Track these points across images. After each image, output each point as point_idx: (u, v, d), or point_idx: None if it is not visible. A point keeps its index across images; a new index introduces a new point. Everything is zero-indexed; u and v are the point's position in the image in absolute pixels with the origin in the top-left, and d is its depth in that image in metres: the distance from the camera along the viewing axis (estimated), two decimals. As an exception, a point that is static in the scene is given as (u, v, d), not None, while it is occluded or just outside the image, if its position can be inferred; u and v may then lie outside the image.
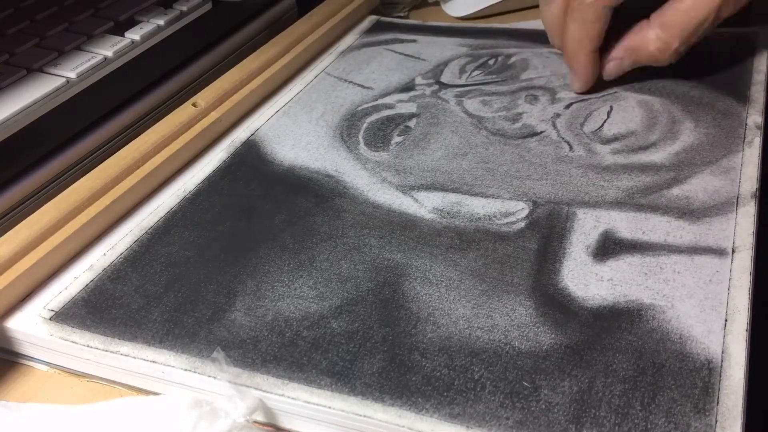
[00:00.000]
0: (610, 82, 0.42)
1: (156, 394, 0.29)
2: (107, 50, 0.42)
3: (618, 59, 0.41)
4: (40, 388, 0.30)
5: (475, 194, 0.35)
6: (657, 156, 0.36)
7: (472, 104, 0.42)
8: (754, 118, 0.38)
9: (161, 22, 0.45)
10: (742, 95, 0.40)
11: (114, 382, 0.29)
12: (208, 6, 0.48)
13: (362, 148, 0.40)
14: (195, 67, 0.46)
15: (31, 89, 0.38)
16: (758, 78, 0.41)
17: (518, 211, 0.34)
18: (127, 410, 0.27)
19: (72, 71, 0.40)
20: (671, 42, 0.38)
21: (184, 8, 0.46)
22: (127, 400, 0.28)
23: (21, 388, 0.30)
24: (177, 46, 0.45)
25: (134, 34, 0.43)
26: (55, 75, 0.39)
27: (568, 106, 0.41)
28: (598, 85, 0.42)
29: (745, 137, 0.37)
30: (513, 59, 0.47)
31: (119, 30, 0.44)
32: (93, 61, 0.41)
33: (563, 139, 0.38)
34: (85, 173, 0.36)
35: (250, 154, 0.40)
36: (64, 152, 0.38)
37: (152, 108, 0.43)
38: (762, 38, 0.45)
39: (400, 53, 0.49)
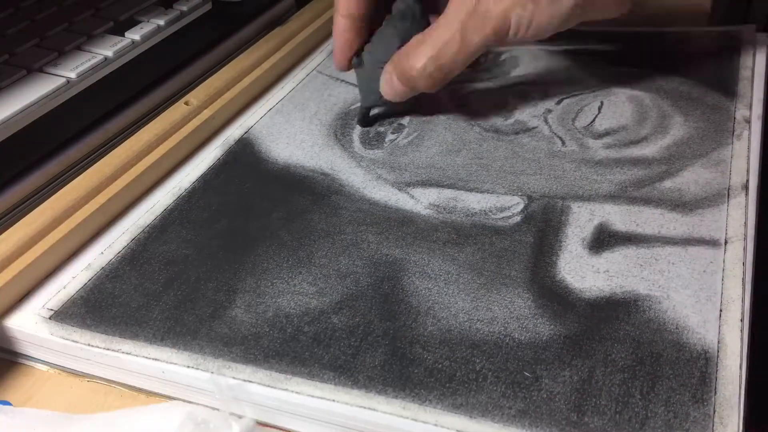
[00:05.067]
0: (600, 77, 0.43)
1: (155, 394, 0.29)
2: (107, 50, 0.42)
3: (388, 73, 0.38)
4: (40, 388, 0.30)
5: (471, 190, 0.35)
6: (648, 150, 0.37)
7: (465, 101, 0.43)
8: (743, 112, 0.38)
9: (161, 22, 0.45)
10: (730, 90, 0.40)
11: (114, 381, 0.29)
12: (208, 6, 0.48)
13: (356, 146, 0.40)
14: (195, 67, 0.46)
15: (31, 89, 0.38)
16: (745, 74, 0.42)
17: (514, 205, 0.34)
18: (122, 420, 0.27)
19: (72, 71, 0.40)
20: (419, 58, 0.37)
21: (184, 8, 0.46)
22: (123, 411, 0.28)
23: (21, 387, 0.30)
24: (177, 46, 0.45)
25: (134, 34, 0.43)
26: (55, 75, 0.39)
27: (559, 102, 0.41)
28: (587, 79, 0.43)
29: (734, 130, 0.37)
30: (503, 57, 0.47)
31: (119, 30, 0.44)
32: (93, 61, 0.41)
33: (555, 134, 0.39)
34: (84, 172, 0.36)
35: (245, 153, 0.40)
36: (64, 152, 0.38)
37: (152, 108, 0.43)
38: (747, 36, 0.45)
39: (392, 51, 0.49)
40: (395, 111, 0.42)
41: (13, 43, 0.42)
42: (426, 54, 0.37)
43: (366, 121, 0.41)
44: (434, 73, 0.37)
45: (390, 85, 0.38)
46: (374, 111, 0.41)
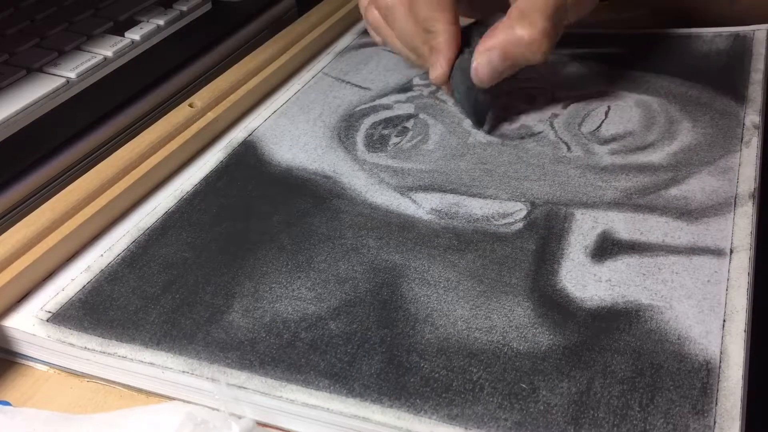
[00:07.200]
0: (608, 81, 0.42)
1: (156, 395, 0.29)
2: (107, 50, 0.42)
3: (486, 52, 0.37)
4: (40, 388, 0.30)
5: (473, 195, 0.35)
6: (655, 156, 0.36)
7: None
8: (752, 118, 0.38)
9: (161, 22, 0.45)
10: (739, 95, 0.40)
11: (114, 382, 0.29)
12: (208, 6, 0.48)
13: (360, 149, 0.39)
14: (195, 67, 0.46)
15: (31, 89, 0.38)
16: (756, 77, 0.41)
17: (516, 211, 0.34)
18: (122, 420, 0.27)
19: (72, 71, 0.40)
20: (537, 26, 0.36)
21: (184, 8, 0.46)
22: (122, 411, 0.28)
23: (21, 387, 0.30)
24: (177, 46, 0.45)
25: (134, 34, 0.43)
26: (55, 75, 0.39)
27: (565, 107, 0.41)
28: (594, 83, 0.42)
29: (742, 137, 0.37)
30: (511, 59, 0.46)
31: (119, 30, 0.44)
32: (93, 61, 0.41)
33: (561, 139, 0.38)
34: (85, 174, 0.36)
35: (248, 155, 0.40)
36: (64, 152, 0.38)
37: (152, 108, 0.43)
38: (759, 38, 0.45)
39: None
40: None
41: (13, 43, 0.42)
42: (543, 17, 0.36)
43: (482, 120, 0.40)
44: (552, 34, 0.36)
45: (490, 67, 0.37)
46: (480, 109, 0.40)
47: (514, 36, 0.36)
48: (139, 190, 0.37)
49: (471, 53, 0.38)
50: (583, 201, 0.34)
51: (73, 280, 0.32)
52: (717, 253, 0.30)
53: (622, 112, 0.40)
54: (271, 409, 0.27)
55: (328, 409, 0.25)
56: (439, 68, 0.39)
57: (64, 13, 0.46)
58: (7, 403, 0.29)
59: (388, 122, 0.41)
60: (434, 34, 0.39)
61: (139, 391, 0.29)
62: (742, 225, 0.31)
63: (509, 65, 0.37)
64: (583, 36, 0.49)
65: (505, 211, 0.34)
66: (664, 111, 0.40)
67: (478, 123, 0.40)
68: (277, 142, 0.41)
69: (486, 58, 0.37)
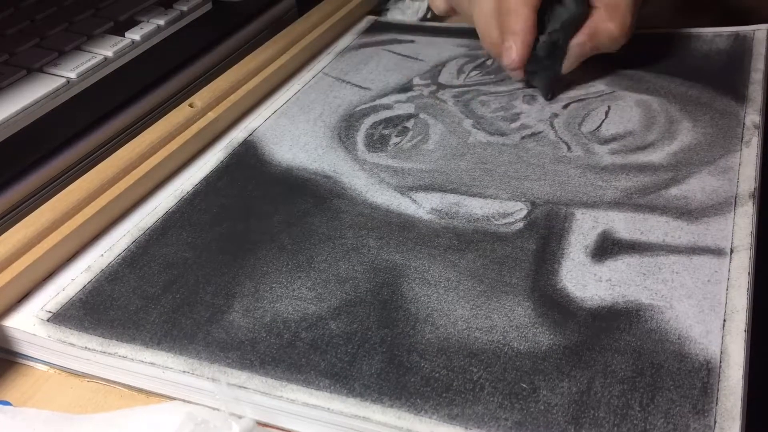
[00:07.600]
0: (608, 81, 0.42)
1: (156, 394, 0.29)
2: (107, 50, 0.42)
3: (579, 45, 0.41)
4: (40, 388, 0.30)
5: (474, 195, 0.35)
6: (655, 156, 0.36)
7: (471, 104, 0.42)
8: (752, 117, 0.38)
9: (161, 22, 0.45)
10: (739, 95, 0.40)
11: (114, 382, 0.29)
12: (208, 6, 0.48)
13: (360, 148, 0.39)
14: (195, 67, 0.46)
15: (31, 89, 0.38)
16: (756, 77, 0.41)
17: (516, 211, 0.34)
18: (122, 420, 0.27)
19: (72, 71, 0.40)
20: (627, 21, 0.41)
21: (184, 8, 0.46)
22: (123, 411, 0.28)
23: (21, 387, 0.30)
24: (177, 46, 0.45)
25: (134, 34, 0.43)
26: (55, 75, 0.40)
27: (565, 106, 0.41)
28: (594, 83, 0.42)
29: (742, 137, 0.37)
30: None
31: (119, 30, 0.44)
32: (93, 61, 0.41)
33: (561, 139, 0.38)
34: (85, 174, 0.36)
35: (248, 155, 0.40)
36: (64, 152, 0.38)
37: (152, 108, 0.43)
38: (759, 38, 0.45)
39: (398, 54, 0.49)
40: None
41: (13, 43, 0.42)
42: (631, 13, 0.41)
43: (554, 92, 0.42)
44: (633, 28, 0.41)
45: (581, 58, 0.41)
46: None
47: (607, 29, 0.41)
48: (140, 190, 0.37)
49: (549, 39, 0.40)
50: (583, 201, 0.34)
51: (73, 280, 0.32)
52: (717, 252, 0.30)
53: (622, 112, 0.40)
54: (272, 408, 0.27)
55: (328, 408, 0.25)
56: (514, 53, 0.40)
57: (64, 13, 0.46)
58: (7, 403, 0.29)
59: (388, 122, 0.41)
60: (514, 16, 0.40)
61: (140, 391, 0.29)
62: (742, 225, 0.31)
63: (592, 53, 0.42)
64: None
65: (505, 211, 0.34)
66: (664, 111, 0.40)
67: (550, 95, 0.42)
68: (277, 142, 0.41)
69: (579, 51, 0.41)
